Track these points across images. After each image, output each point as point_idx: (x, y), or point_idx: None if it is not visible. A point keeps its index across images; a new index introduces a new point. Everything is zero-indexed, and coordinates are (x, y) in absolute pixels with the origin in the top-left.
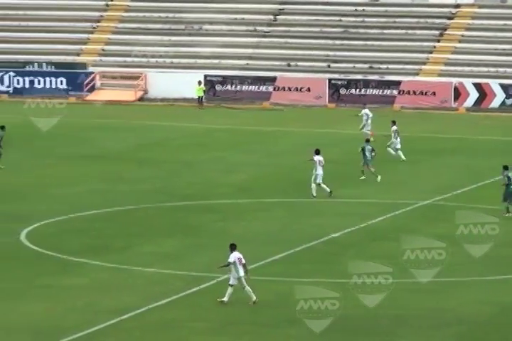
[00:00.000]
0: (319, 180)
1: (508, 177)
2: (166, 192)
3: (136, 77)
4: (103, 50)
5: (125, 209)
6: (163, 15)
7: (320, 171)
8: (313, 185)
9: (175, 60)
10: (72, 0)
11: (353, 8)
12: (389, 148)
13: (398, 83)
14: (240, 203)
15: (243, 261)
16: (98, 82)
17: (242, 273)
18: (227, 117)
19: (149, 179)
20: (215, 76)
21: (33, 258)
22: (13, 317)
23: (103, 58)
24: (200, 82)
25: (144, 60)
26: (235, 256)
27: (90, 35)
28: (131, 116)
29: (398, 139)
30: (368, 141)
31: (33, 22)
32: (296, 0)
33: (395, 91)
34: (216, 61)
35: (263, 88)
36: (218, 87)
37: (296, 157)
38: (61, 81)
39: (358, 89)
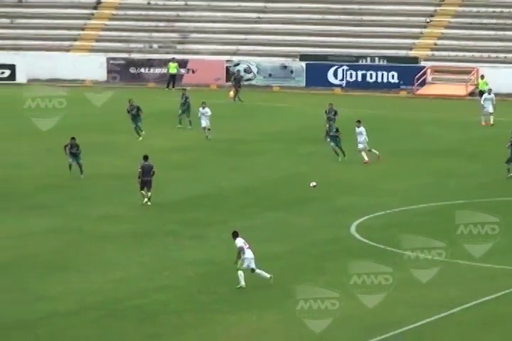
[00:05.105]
0: None
1: None
2: (493, 187)
3: (468, 72)
4: (435, 44)
5: (453, 203)
6: (497, 10)
7: None
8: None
9: (509, 55)
10: None
11: None
12: None
13: None
14: None
15: (247, 244)
16: (429, 77)
17: (251, 255)
18: None
19: (478, 174)
20: None
21: (362, 250)
22: (345, 310)
23: (435, 53)
24: (482, 76)
25: (477, 54)
26: (240, 241)
27: (423, 30)
28: (461, 111)
29: None
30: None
31: (367, 16)
32: None
33: None
34: None
35: None
36: None
37: None
38: (392, 75)
39: None
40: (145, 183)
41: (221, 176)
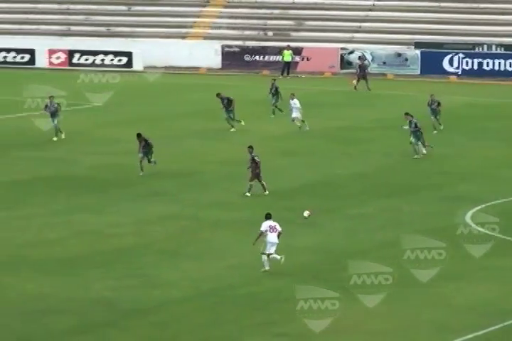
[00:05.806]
0: None
1: None
2: None
3: None
4: None
5: None
6: None
7: None
8: None
9: None
10: None
11: None
12: None
13: None
14: None
15: (278, 229)
16: None
17: (273, 240)
18: None
19: None
20: None
21: (477, 238)
22: (459, 298)
23: None
24: None
25: None
26: (266, 224)
27: None
28: None
29: None
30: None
31: (484, 3)
32: None
33: None
34: None
35: None
36: None
37: None
38: (509, 63)
39: None
40: (258, 174)
41: (334, 163)
